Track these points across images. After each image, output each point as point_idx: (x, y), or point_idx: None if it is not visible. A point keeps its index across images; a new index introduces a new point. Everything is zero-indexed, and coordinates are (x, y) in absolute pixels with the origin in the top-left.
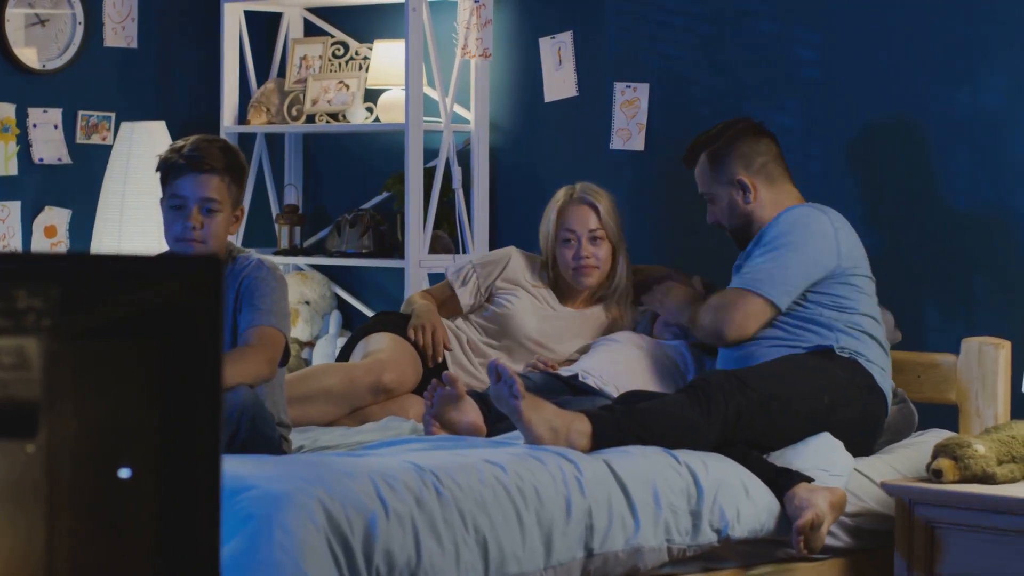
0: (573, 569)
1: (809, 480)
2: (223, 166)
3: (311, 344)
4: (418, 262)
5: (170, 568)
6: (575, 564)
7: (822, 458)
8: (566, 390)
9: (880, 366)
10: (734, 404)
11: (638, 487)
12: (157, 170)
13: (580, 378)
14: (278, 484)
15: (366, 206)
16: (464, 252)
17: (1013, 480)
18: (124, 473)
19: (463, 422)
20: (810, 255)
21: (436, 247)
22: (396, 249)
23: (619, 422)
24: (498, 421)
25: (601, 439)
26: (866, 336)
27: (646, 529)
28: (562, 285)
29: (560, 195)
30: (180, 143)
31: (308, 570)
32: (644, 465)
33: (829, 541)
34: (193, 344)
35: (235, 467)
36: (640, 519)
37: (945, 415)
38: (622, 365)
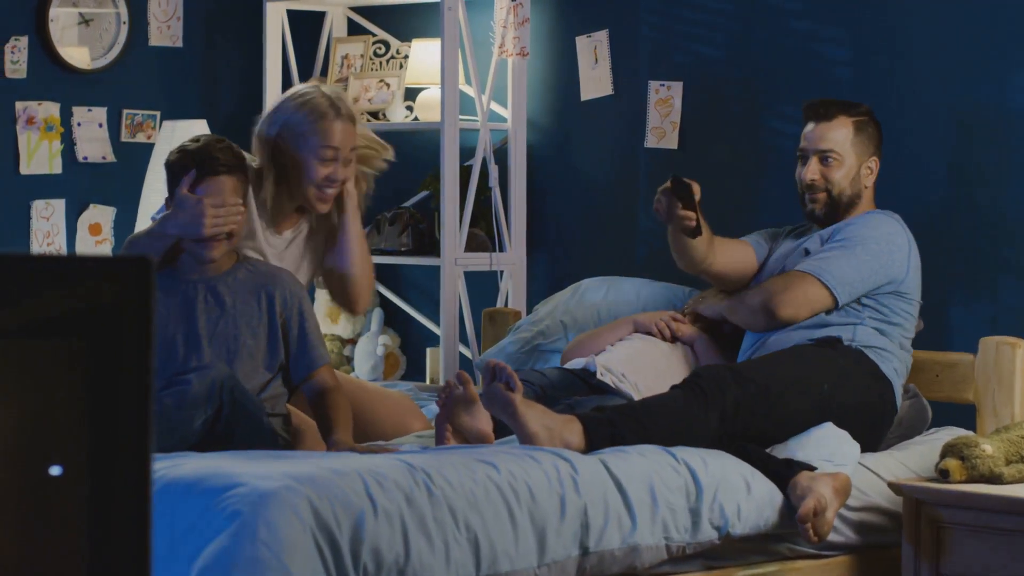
0: (568, 567)
1: (812, 469)
2: (230, 166)
3: (352, 342)
4: (454, 260)
5: (101, 564)
6: (570, 562)
7: (825, 448)
8: (583, 388)
9: (892, 358)
10: (732, 396)
11: (635, 486)
12: (169, 171)
13: (598, 375)
14: (266, 481)
15: (406, 204)
16: (501, 250)
17: (1021, 480)
18: (55, 470)
19: (474, 428)
20: (884, 264)
21: (472, 245)
22: (435, 247)
23: (612, 421)
24: (504, 431)
25: (594, 439)
26: (885, 339)
27: (643, 527)
28: None
29: None
30: (189, 144)
31: (292, 568)
32: (641, 464)
33: (834, 537)
34: (122, 343)
35: (225, 464)
36: (637, 517)
37: (963, 414)
38: (645, 359)
